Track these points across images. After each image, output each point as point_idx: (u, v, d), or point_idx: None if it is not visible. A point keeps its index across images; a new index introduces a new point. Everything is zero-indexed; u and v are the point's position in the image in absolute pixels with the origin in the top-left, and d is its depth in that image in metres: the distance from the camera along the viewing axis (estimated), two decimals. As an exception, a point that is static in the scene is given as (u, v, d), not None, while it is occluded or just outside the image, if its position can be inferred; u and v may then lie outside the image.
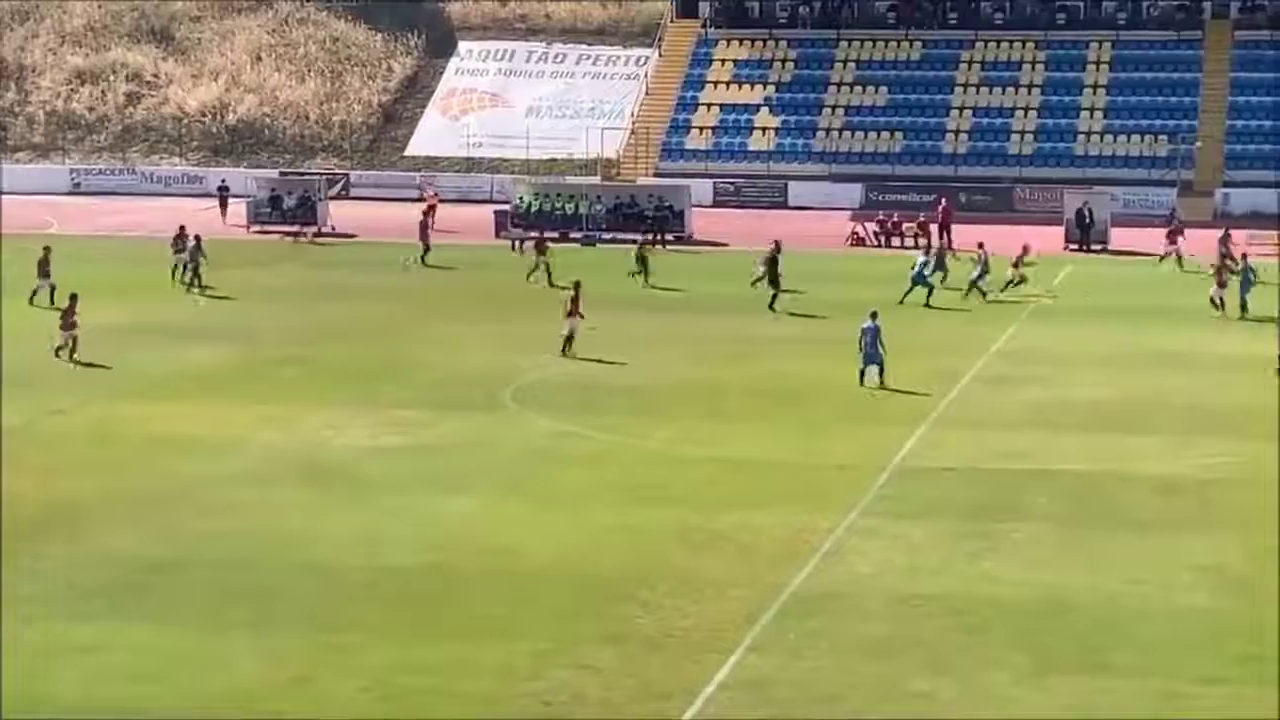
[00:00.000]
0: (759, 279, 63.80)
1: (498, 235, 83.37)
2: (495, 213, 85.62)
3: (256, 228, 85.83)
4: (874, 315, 49.69)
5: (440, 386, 49.81)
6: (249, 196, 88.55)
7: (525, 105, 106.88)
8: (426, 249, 74.38)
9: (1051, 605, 31.15)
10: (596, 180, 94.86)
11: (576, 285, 55.55)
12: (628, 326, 59.39)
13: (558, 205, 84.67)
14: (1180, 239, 74.32)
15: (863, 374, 49.16)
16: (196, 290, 65.69)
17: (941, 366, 51.76)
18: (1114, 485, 39.37)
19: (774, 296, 62.44)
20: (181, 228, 69.61)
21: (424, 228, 75.56)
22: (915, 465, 41.21)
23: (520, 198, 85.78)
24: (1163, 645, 29.11)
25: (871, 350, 49.09)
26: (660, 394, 49.19)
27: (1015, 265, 66.85)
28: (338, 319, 60.88)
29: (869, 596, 31.75)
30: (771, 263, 63.54)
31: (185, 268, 66.99)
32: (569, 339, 53.81)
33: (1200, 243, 73.82)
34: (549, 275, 67.93)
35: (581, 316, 54.27)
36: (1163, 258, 74.02)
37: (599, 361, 52.96)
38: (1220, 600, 31.61)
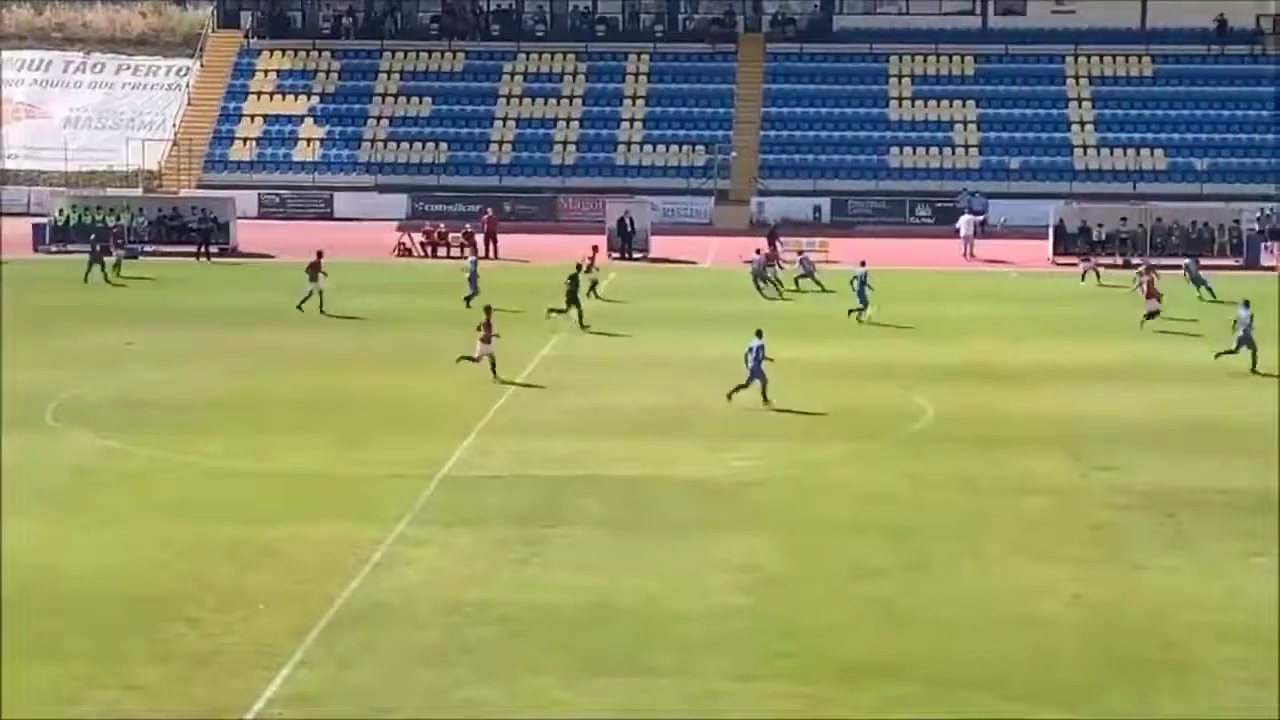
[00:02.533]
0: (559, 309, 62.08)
1: (36, 249, 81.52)
2: (34, 226, 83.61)
3: None
4: (759, 334, 49.26)
5: (-23, 406, 48.62)
6: None
7: (63, 116, 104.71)
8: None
9: (595, 609, 31.83)
10: (139, 192, 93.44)
11: (488, 310, 53.44)
12: (170, 340, 58.77)
13: (98, 218, 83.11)
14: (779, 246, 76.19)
15: (743, 388, 48.72)
16: None
17: (489, 374, 52.31)
18: (656, 489, 40.33)
19: (579, 314, 61.57)
20: None
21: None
22: (463, 474, 41.63)
23: (59, 210, 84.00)
24: (700, 645, 29.95)
25: (756, 367, 48.55)
26: (205, 409, 48.75)
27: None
28: None
29: (418, 606, 32.03)
30: (572, 281, 62.25)
31: None
32: (493, 363, 51.91)
33: (735, 250, 76.01)
34: (321, 300, 64.84)
35: (497, 337, 52.34)
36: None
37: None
38: (754, 599, 32.66)
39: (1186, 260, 72.64)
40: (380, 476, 41.26)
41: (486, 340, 52.13)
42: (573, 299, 61.80)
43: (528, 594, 32.81)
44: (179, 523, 37.16)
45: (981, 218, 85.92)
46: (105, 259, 72.64)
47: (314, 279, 65.06)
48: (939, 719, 27.04)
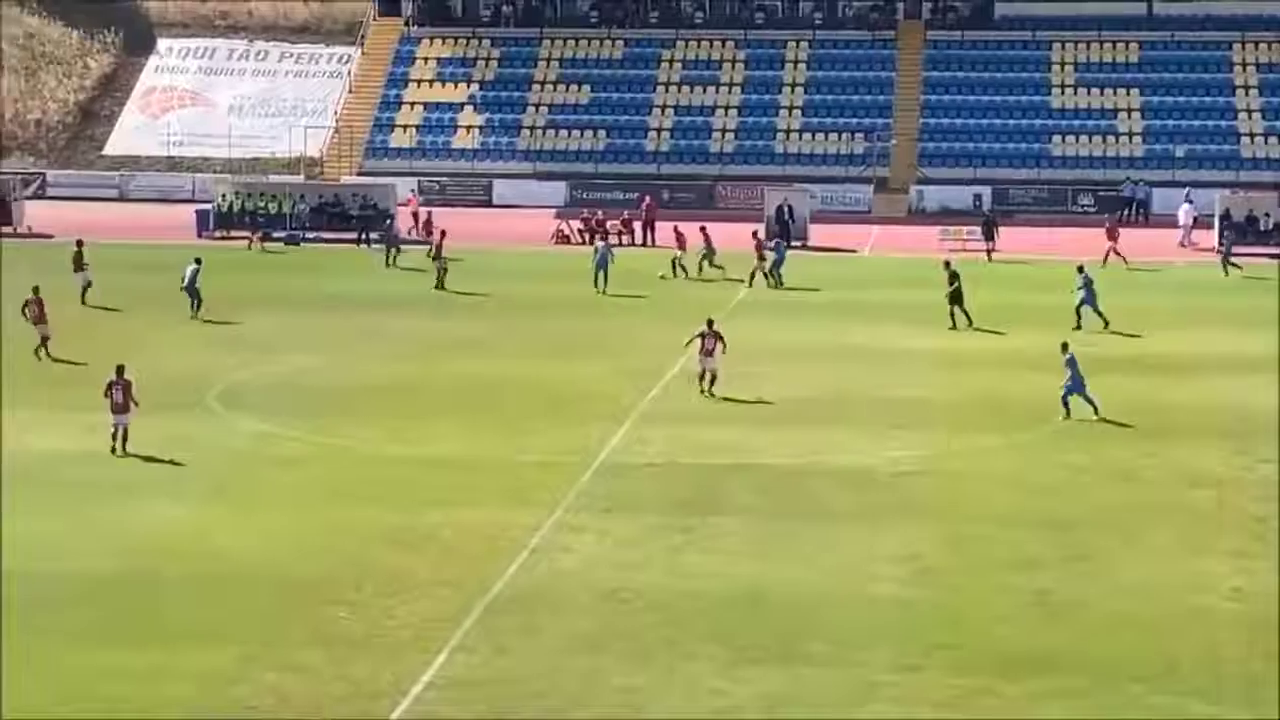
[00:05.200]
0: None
1: (200, 235, 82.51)
2: (198, 212, 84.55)
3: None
4: (1065, 347, 46.87)
5: (143, 389, 48.98)
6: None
7: (227, 104, 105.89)
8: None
9: (751, 597, 31.79)
10: (300, 179, 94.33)
11: (710, 323, 49.42)
12: (330, 326, 59.29)
13: (261, 204, 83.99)
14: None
15: (1066, 402, 46.01)
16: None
17: (646, 363, 52.37)
18: (810, 478, 40.22)
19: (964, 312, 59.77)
20: (79, 244, 65.96)
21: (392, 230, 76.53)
22: (620, 461, 41.70)
23: (222, 196, 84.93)
24: (857, 635, 29.85)
25: (1079, 379, 45.96)
26: (363, 394, 49.14)
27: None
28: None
29: (575, 592, 32.13)
30: (954, 280, 60.09)
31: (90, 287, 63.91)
32: (710, 378, 48.81)
33: (894, 239, 75.54)
34: (442, 279, 67.43)
35: (722, 344, 49.07)
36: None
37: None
38: (912, 589, 32.50)
39: None
40: (537, 463, 41.41)
41: (708, 354, 49.11)
42: (957, 297, 59.66)
43: (683, 582, 32.80)
44: (337, 507, 37.51)
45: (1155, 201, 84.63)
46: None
47: (437, 257, 67.93)
48: (1096, 713, 26.76)
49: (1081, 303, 59.16)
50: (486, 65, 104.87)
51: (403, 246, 75.05)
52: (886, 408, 47.57)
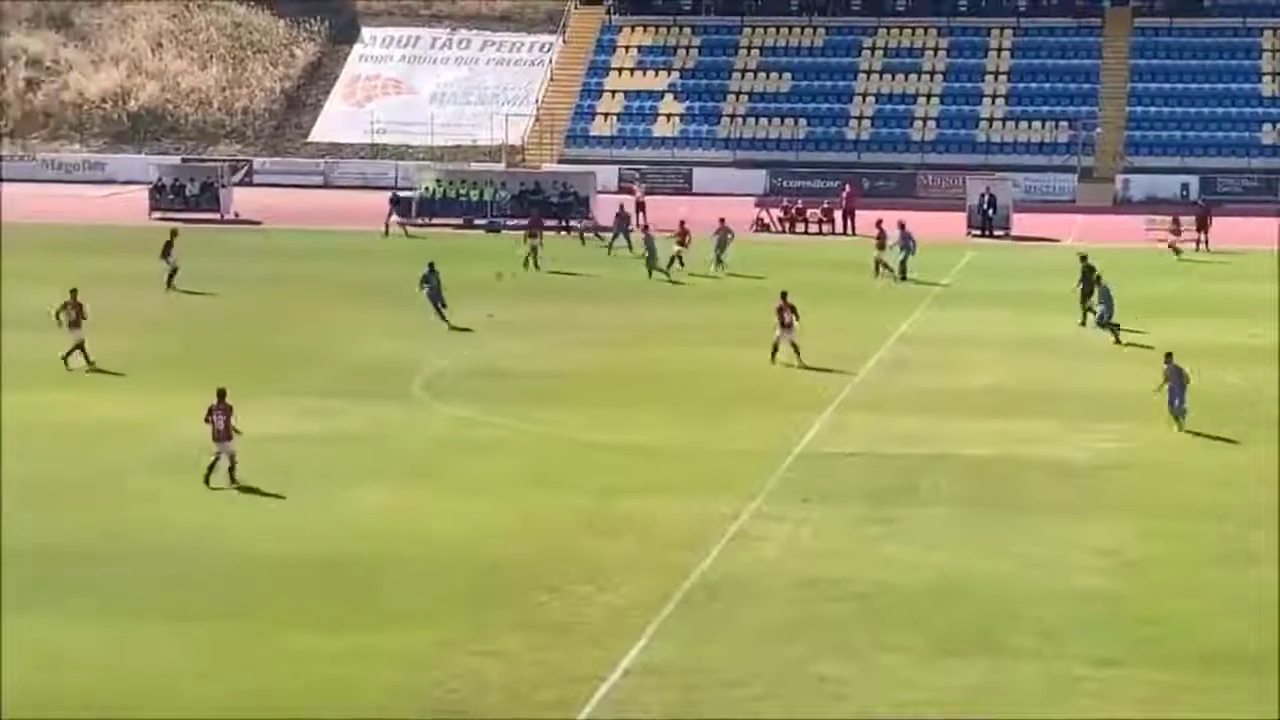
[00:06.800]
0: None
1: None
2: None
3: (158, 215, 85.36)
4: (1169, 357, 44.26)
5: (349, 375, 49.83)
6: (150, 183, 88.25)
7: (429, 92, 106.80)
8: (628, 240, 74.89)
9: (949, 588, 31.62)
10: (501, 167, 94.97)
11: (784, 295, 51.03)
12: (531, 313, 59.63)
13: (462, 192, 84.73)
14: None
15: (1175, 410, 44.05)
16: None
17: (846, 351, 52.18)
18: (1010, 469, 39.90)
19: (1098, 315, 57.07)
20: (173, 233, 66.83)
21: (624, 219, 76.21)
22: (819, 450, 41.60)
23: (424, 185, 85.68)
24: (1058, 627, 29.58)
25: (1176, 389, 43.84)
26: (565, 380, 49.41)
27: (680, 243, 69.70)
28: (243, 307, 60.73)
29: (773, 581, 32.12)
30: (1088, 274, 58.62)
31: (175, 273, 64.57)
32: (795, 349, 50.47)
33: (1098, 229, 74.47)
34: (536, 260, 68.68)
35: (797, 318, 50.73)
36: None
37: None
38: (1114, 583, 32.14)
39: None
40: (736, 451, 41.40)
41: (787, 326, 50.55)
42: (1088, 291, 57.81)
43: (882, 571, 32.69)
44: (539, 493, 37.77)
45: None
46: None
47: (532, 236, 69.73)
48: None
49: (1101, 317, 56.15)
50: (687, 53, 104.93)
51: (601, 233, 75.52)
52: (1086, 399, 47.05)
